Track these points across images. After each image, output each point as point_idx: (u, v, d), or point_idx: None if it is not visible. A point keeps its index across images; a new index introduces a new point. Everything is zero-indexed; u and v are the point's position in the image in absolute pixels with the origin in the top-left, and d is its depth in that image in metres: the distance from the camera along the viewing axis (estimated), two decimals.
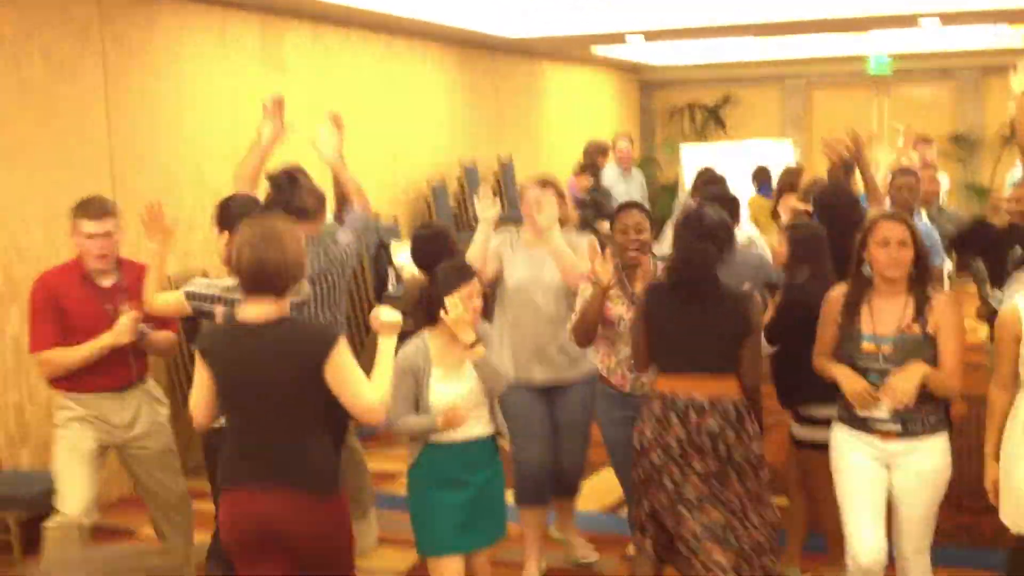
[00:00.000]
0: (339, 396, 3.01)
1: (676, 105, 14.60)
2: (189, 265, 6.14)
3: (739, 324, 3.62)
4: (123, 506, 5.67)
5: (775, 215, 7.05)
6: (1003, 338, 3.46)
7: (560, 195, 4.37)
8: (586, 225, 6.94)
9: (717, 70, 14.12)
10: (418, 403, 3.58)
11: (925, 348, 3.43)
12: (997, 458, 3.46)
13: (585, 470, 4.69)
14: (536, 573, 4.48)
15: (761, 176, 9.25)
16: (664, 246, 4.84)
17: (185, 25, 6.42)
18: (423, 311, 3.66)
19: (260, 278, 3.00)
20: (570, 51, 11.89)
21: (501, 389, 3.72)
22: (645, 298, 3.78)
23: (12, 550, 4.63)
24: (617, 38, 10.48)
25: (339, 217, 4.66)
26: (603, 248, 3.99)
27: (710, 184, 7.52)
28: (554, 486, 4.55)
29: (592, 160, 9.00)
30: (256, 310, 3.04)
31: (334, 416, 3.11)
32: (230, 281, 3.72)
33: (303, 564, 3.07)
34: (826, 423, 3.89)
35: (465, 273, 3.64)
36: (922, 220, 5.54)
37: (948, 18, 9.39)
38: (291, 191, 4.14)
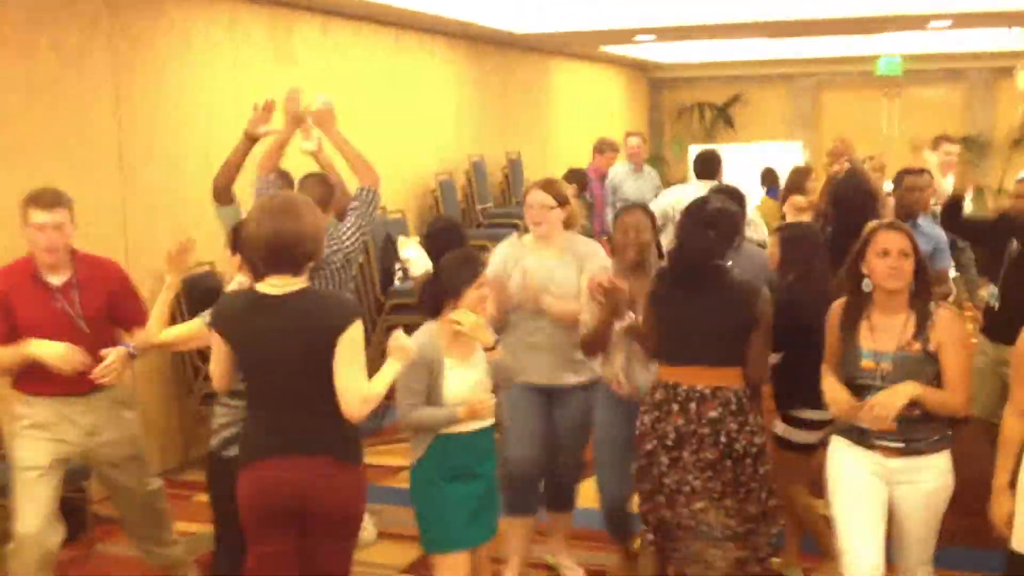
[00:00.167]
0: (336, 374, 3.00)
1: (685, 104, 14.57)
2: (195, 258, 6.14)
3: (744, 316, 3.59)
4: None
5: (783, 217, 7.04)
6: (1022, 363, 3.28)
7: (563, 201, 4.28)
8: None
9: (726, 69, 14.09)
10: (430, 396, 3.52)
11: (926, 366, 3.29)
12: (1012, 488, 3.24)
13: (582, 476, 4.60)
14: None
15: (769, 178, 9.23)
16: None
17: (193, 18, 6.42)
18: (430, 302, 3.62)
19: (278, 251, 2.99)
20: (579, 48, 11.87)
21: (510, 386, 3.73)
22: (651, 287, 3.79)
23: None
24: (627, 35, 10.46)
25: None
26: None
27: (707, 164, 7.57)
28: (548, 498, 4.48)
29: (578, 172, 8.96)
30: (276, 283, 3.03)
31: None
32: None
33: (317, 532, 3.09)
34: (811, 425, 3.89)
35: (473, 264, 3.61)
36: (930, 222, 5.51)
37: (960, 20, 9.35)
38: (287, 187, 4.13)
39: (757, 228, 6.39)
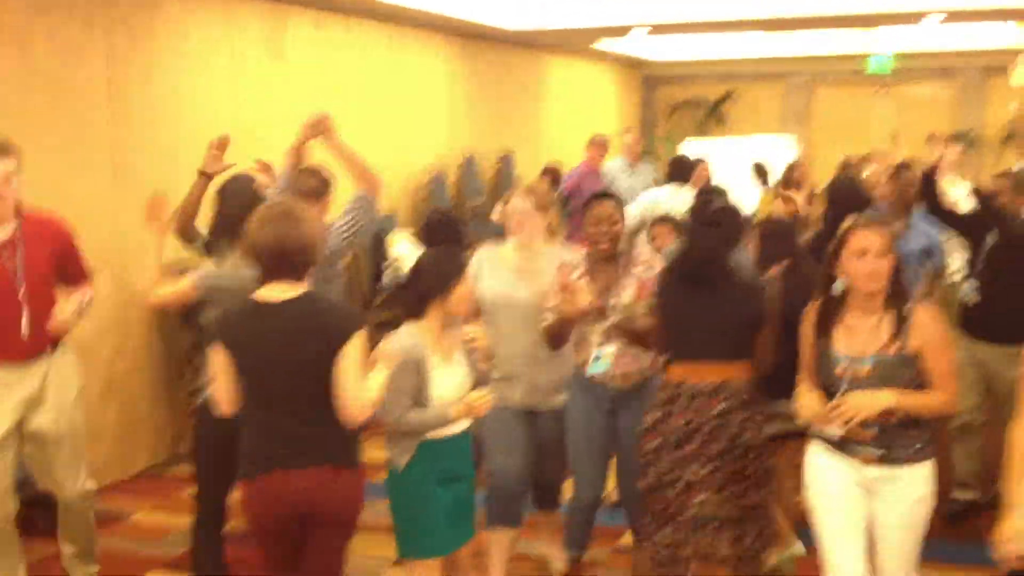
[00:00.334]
0: (338, 383, 3.01)
1: (678, 100, 14.59)
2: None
3: (751, 313, 3.62)
4: (116, 491, 5.69)
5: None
6: None
7: (543, 208, 4.19)
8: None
9: (720, 66, 14.11)
10: (417, 396, 3.44)
11: (905, 369, 3.15)
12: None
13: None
14: None
15: (760, 173, 9.26)
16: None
17: (189, 11, 6.42)
18: (415, 301, 3.52)
19: (280, 258, 3.00)
20: (573, 44, 11.88)
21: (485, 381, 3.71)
22: (658, 286, 3.81)
23: None
24: (620, 31, 10.47)
25: None
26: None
27: (680, 168, 7.63)
28: (536, 498, 4.45)
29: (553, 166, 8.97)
30: (276, 290, 3.04)
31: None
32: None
33: (318, 535, 3.12)
34: (781, 417, 3.91)
35: (458, 260, 3.58)
36: (924, 218, 5.52)
37: (954, 15, 9.38)
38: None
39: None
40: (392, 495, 3.54)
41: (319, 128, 4.21)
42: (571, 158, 10.10)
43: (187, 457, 4.95)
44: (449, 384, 3.49)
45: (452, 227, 4.63)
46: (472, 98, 10.29)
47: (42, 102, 5.41)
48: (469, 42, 10.08)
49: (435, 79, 9.61)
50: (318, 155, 4.53)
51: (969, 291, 4.90)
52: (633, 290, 3.97)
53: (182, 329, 6.02)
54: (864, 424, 3.15)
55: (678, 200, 7.28)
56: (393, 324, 3.42)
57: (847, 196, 5.15)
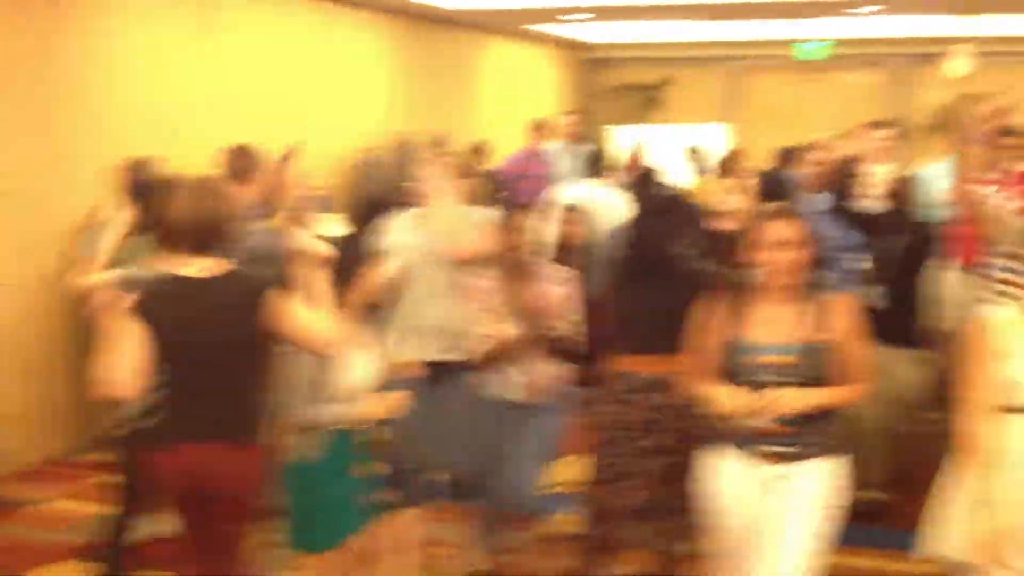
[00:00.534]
0: (292, 338, 3.03)
1: (617, 84, 14.62)
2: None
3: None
4: (28, 478, 5.58)
5: None
6: (977, 356, 3.05)
7: (458, 172, 4.21)
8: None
9: (659, 50, 14.15)
10: (326, 386, 3.33)
11: (827, 358, 3.06)
12: (988, 503, 2.99)
13: None
14: None
15: (696, 158, 9.31)
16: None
17: None
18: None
19: (198, 233, 3.01)
20: (510, 26, 11.83)
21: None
22: (610, 278, 3.82)
23: None
24: (556, 14, 10.46)
25: None
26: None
27: (592, 162, 7.66)
28: (454, 489, 4.36)
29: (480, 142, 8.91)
30: (197, 265, 3.03)
31: (265, 368, 3.12)
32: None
33: (218, 510, 3.10)
34: None
35: (364, 249, 3.59)
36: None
37: (891, 7, 9.53)
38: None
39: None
40: (292, 486, 3.41)
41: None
42: (508, 140, 10.07)
43: (97, 443, 4.87)
44: (363, 373, 3.42)
45: (384, 211, 4.58)
46: (409, 79, 10.20)
47: None
48: (407, 22, 9.99)
49: (371, 59, 9.51)
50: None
51: (876, 296, 4.87)
52: (552, 308, 3.92)
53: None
54: (781, 419, 3.04)
55: (598, 195, 7.28)
56: None
57: (777, 188, 5.17)
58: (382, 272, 3.92)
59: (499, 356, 3.87)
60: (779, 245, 3.06)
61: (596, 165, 7.53)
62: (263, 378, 3.14)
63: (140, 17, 6.44)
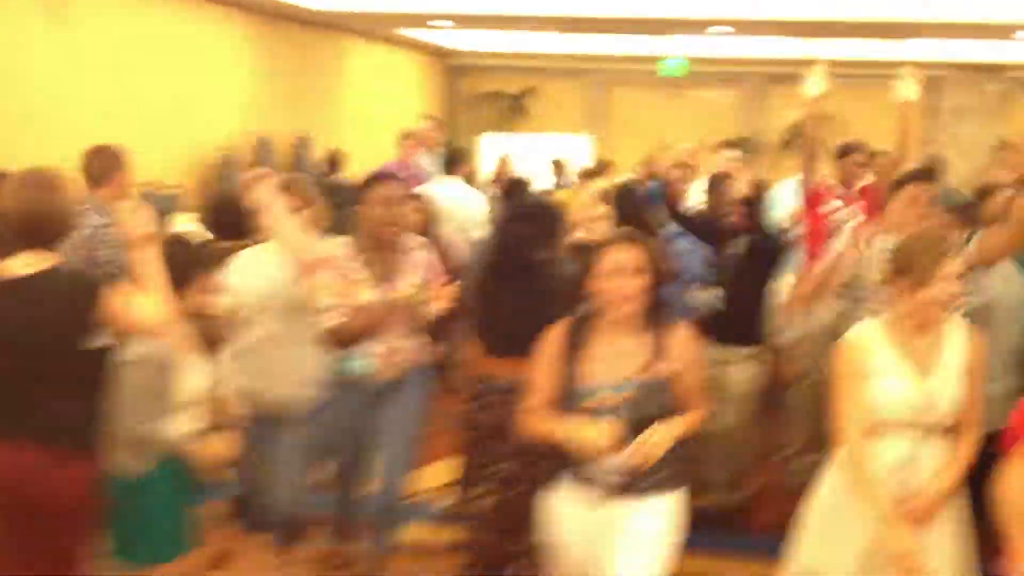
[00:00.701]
0: (124, 327, 2.88)
1: (481, 92, 14.67)
2: None
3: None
4: None
5: None
6: (847, 376, 3.01)
7: (307, 201, 3.91)
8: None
9: (523, 60, 14.28)
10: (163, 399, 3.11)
11: (665, 391, 2.93)
12: (891, 519, 2.91)
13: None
14: None
15: (558, 169, 9.41)
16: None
17: None
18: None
19: (29, 226, 2.86)
20: (375, 29, 11.73)
21: None
22: (477, 281, 3.79)
23: None
24: (422, 20, 10.42)
25: None
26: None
27: (452, 161, 7.69)
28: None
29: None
30: (23, 261, 2.87)
31: (96, 373, 2.93)
32: None
33: (41, 527, 2.89)
34: None
35: (198, 257, 3.28)
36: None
37: (741, 27, 9.84)
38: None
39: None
40: (121, 498, 3.13)
41: None
42: (371, 144, 9.97)
43: None
44: (193, 381, 3.19)
45: (237, 213, 4.42)
46: (270, 79, 9.99)
47: None
48: (268, 21, 9.78)
49: (231, 57, 9.27)
50: None
51: (711, 299, 4.92)
52: (418, 276, 3.85)
53: None
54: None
55: (455, 193, 7.29)
56: None
57: (627, 202, 5.19)
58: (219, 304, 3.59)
59: (358, 329, 3.72)
60: (619, 272, 2.89)
61: (454, 165, 7.53)
62: (93, 383, 2.96)
63: None
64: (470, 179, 8.00)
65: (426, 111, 13.37)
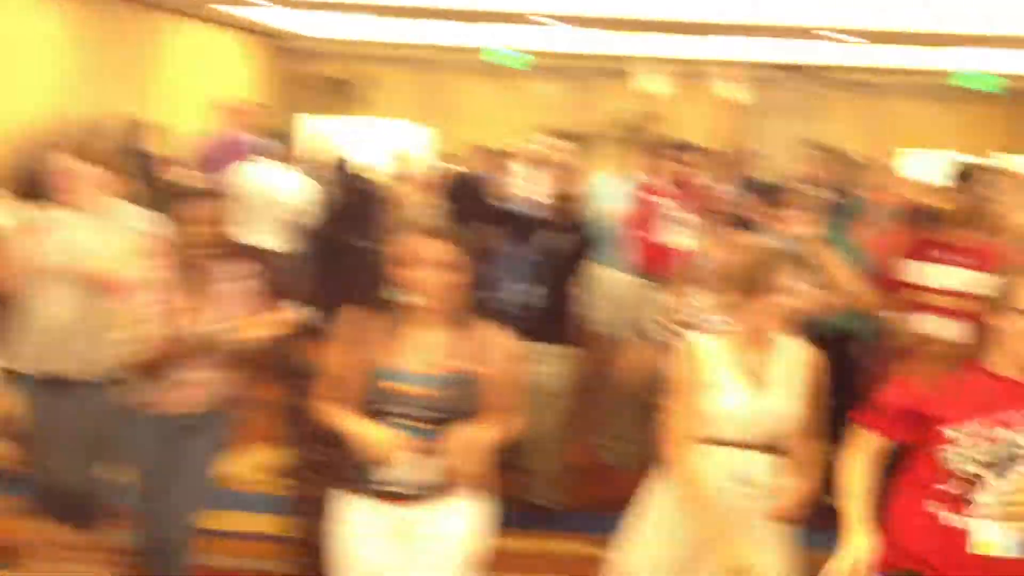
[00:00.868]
0: None
1: (312, 77, 14.38)
2: None
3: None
4: None
5: None
6: (681, 387, 3.01)
7: (99, 163, 3.80)
8: None
9: (358, 46, 14.08)
10: None
11: (471, 390, 2.81)
12: (720, 531, 2.95)
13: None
14: None
15: (389, 156, 9.31)
16: None
17: None
18: None
19: None
20: (196, 8, 11.34)
21: None
22: (298, 264, 3.71)
23: None
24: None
25: None
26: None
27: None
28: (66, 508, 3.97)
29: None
30: None
31: None
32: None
33: None
34: None
35: None
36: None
37: (568, 21, 9.99)
38: None
39: None
40: None
41: None
42: (196, 126, 9.63)
43: None
44: None
45: (44, 186, 4.19)
46: (83, 57, 9.54)
47: None
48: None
49: (44, 35, 8.79)
50: None
51: (534, 295, 4.95)
52: (233, 308, 3.57)
53: None
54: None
55: (279, 176, 7.17)
56: None
57: (461, 190, 5.21)
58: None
59: (159, 362, 3.50)
60: (431, 266, 2.78)
61: (279, 148, 7.39)
62: None
63: None
64: (296, 163, 7.85)
65: (255, 94, 13.03)
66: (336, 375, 2.86)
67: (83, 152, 3.75)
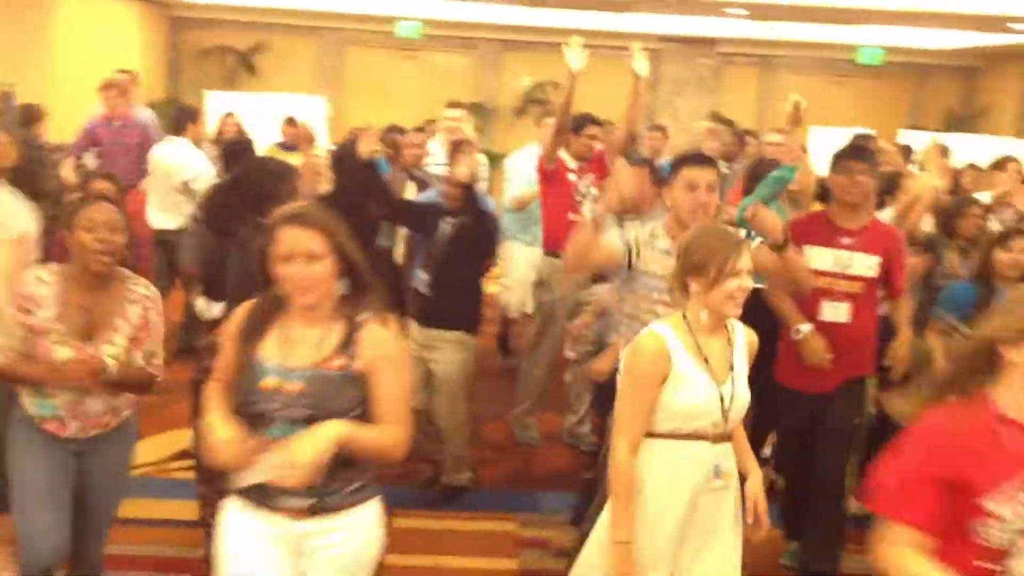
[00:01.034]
0: None
1: (206, 47, 13.97)
2: None
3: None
4: None
5: None
6: (643, 379, 2.85)
7: None
8: None
9: (251, 14, 13.71)
10: None
11: (348, 388, 2.56)
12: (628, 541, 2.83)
13: None
14: None
15: (287, 129, 9.06)
16: None
17: None
18: None
19: None
20: None
21: None
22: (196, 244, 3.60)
23: None
24: None
25: None
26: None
27: (178, 117, 7.33)
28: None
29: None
30: None
31: None
32: None
33: None
34: None
35: None
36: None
37: None
38: None
39: None
40: None
41: None
42: (84, 101, 9.25)
43: None
44: None
45: None
46: None
47: None
48: None
49: None
50: None
51: (419, 281, 4.91)
52: (127, 333, 3.24)
53: None
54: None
55: (183, 153, 6.94)
56: None
57: (345, 163, 5.05)
58: None
59: (28, 377, 3.20)
60: (294, 257, 2.54)
61: (182, 123, 7.14)
62: None
63: None
64: (197, 140, 7.58)
65: (149, 65, 12.61)
66: (222, 364, 2.67)
67: None
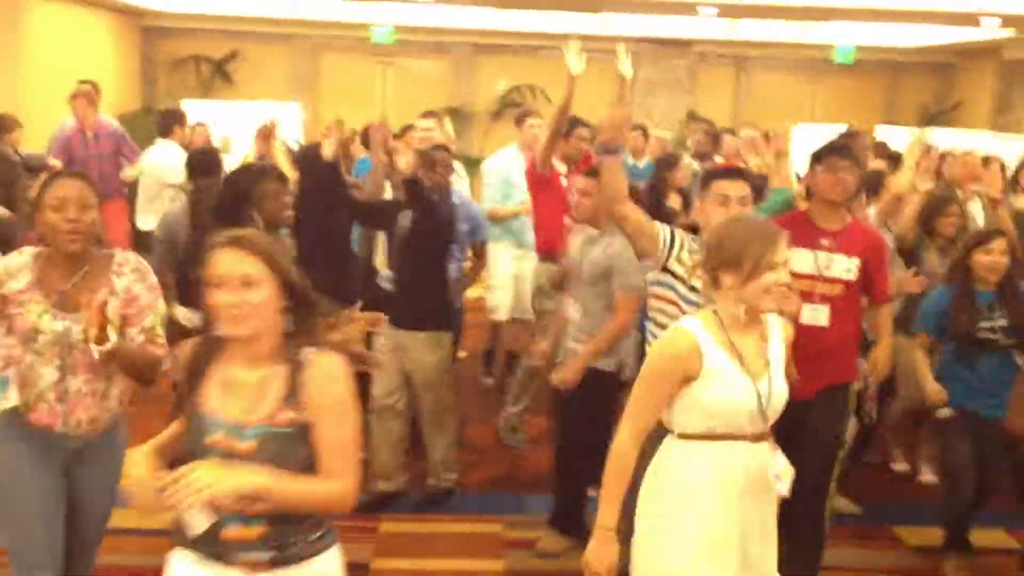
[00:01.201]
0: None
1: (181, 56, 13.90)
2: None
3: None
4: None
5: None
6: (661, 376, 2.70)
7: None
8: None
9: (225, 23, 13.65)
10: None
11: (300, 446, 2.28)
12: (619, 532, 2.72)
13: None
14: None
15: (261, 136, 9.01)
16: None
17: None
18: None
19: None
20: None
21: None
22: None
23: None
24: None
25: None
26: None
27: (165, 121, 7.32)
28: None
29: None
30: None
31: None
32: None
33: None
34: None
35: None
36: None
37: None
38: None
39: None
40: None
41: None
42: (56, 112, 9.16)
43: None
44: None
45: None
46: None
47: None
48: None
49: None
50: None
51: (386, 281, 4.91)
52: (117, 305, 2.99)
53: None
54: (247, 519, 2.25)
55: (174, 158, 6.93)
56: None
57: (309, 165, 5.02)
58: None
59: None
60: (227, 283, 2.25)
61: (169, 128, 7.16)
62: None
63: None
64: (184, 143, 7.58)
65: (122, 75, 12.53)
66: (176, 406, 2.41)
67: None
